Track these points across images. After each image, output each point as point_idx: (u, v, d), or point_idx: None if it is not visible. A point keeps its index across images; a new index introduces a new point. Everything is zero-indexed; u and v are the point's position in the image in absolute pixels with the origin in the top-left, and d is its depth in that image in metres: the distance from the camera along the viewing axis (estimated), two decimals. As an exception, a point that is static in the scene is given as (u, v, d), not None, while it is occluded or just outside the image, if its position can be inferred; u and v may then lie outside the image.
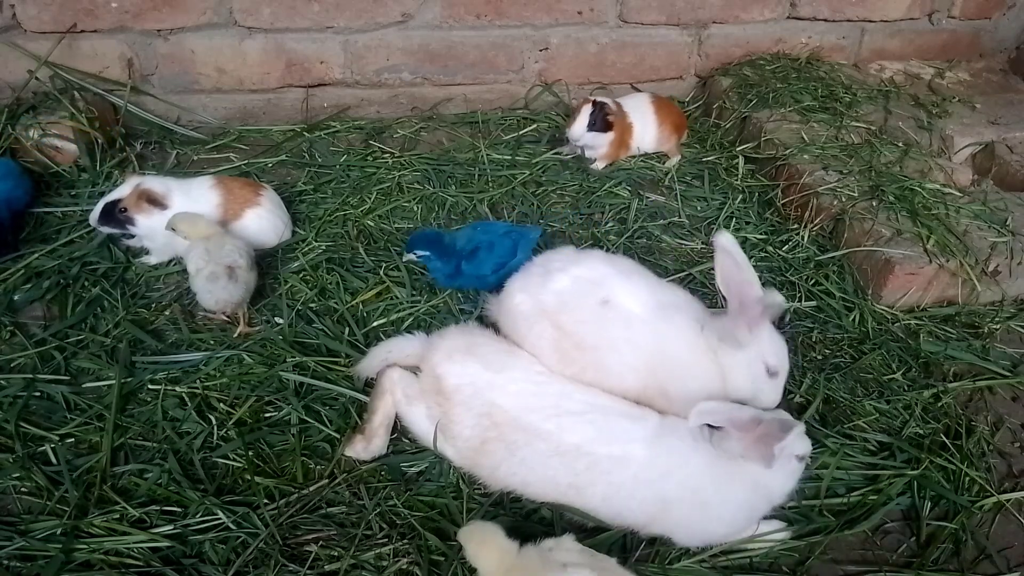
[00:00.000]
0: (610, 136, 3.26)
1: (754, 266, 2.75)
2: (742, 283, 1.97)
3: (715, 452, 1.84)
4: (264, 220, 2.72)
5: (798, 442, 1.85)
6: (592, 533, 1.91)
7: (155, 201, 2.57)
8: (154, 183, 2.60)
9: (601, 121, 3.21)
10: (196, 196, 2.66)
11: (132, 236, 2.65)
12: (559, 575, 1.55)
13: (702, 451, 1.84)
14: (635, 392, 2.04)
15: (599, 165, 3.34)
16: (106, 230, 2.63)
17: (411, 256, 2.64)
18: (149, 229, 2.60)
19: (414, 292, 2.61)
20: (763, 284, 2.69)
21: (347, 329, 2.45)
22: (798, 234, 2.92)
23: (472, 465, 2.00)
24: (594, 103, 3.22)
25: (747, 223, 3.04)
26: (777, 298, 1.92)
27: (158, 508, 1.93)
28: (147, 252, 2.72)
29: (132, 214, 2.58)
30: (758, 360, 2.04)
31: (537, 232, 2.64)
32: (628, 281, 2.12)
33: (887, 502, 2.03)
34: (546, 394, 1.97)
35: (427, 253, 2.59)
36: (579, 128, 3.23)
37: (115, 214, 2.58)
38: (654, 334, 2.04)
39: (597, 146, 3.29)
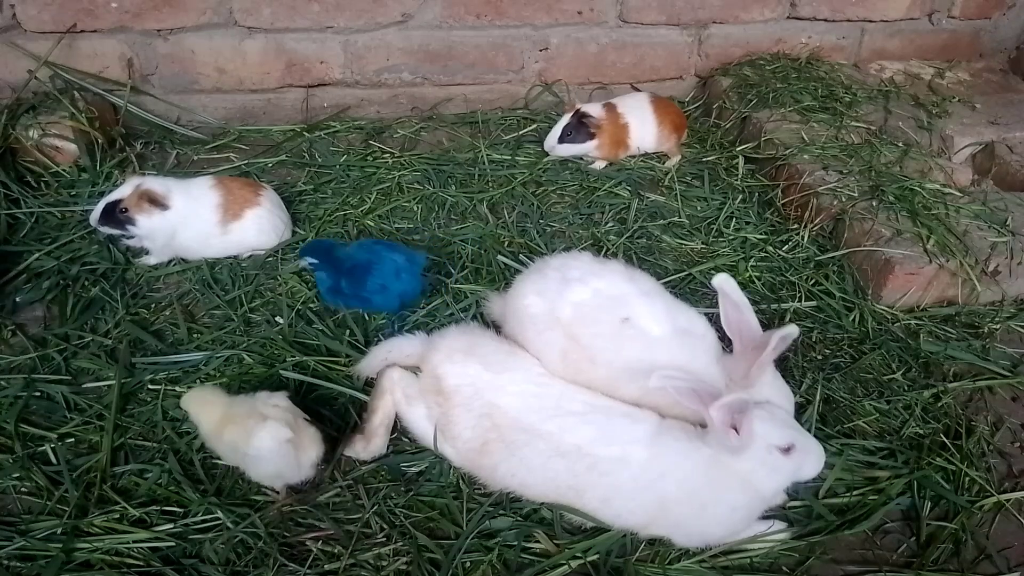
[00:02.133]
0: (592, 144, 3.26)
1: (754, 266, 2.79)
2: (741, 323, 1.97)
3: (711, 453, 1.83)
4: (264, 220, 2.72)
5: (773, 431, 1.80)
6: (592, 534, 1.91)
7: (156, 201, 2.57)
8: (155, 183, 2.60)
9: (580, 132, 3.22)
10: (196, 196, 2.66)
11: (132, 236, 2.64)
12: (258, 423, 1.84)
13: (699, 452, 1.84)
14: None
15: (599, 165, 3.34)
16: (106, 230, 2.63)
17: (303, 263, 2.56)
18: (150, 229, 2.60)
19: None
20: (763, 284, 2.73)
21: (347, 330, 2.45)
22: (798, 234, 2.92)
23: (472, 466, 2.00)
24: (575, 112, 3.22)
25: (747, 223, 3.04)
26: (790, 329, 1.90)
27: (158, 508, 1.93)
28: (147, 252, 2.72)
29: (133, 214, 2.57)
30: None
31: (422, 257, 2.51)
32: (649, 301, 2.07)
33: (887, 502, 2.03)
34: (547, 395, 1.97)
35: (316, 261, 2.49)
36: (551, 140, 3.26)
37: (116, 214, 2.58)
38: (673, 358, 1.99)
39: (576, 156, 3.30)
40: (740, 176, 3.28)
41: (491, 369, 2.00)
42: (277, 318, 2.49)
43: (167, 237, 2.64)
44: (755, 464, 1.80)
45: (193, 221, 2.65)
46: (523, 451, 1.89)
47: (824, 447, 2.12)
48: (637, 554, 1.89)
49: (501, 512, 1.96)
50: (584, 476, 1.87)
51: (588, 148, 3.28)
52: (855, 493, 2.07)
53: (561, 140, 3.25)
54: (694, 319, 2.11)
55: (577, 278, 2.10)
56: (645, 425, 1.91)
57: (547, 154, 3.37)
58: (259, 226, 2.71)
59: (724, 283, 1.98)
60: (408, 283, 2.46)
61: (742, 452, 1.78)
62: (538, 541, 1.90)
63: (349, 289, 2.45)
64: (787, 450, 1.80)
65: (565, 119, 3.24)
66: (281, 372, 2.27)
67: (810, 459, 1.85)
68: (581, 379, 2.02)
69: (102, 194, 2.84)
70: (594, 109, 3.28)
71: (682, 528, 1.88)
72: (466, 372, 2.00)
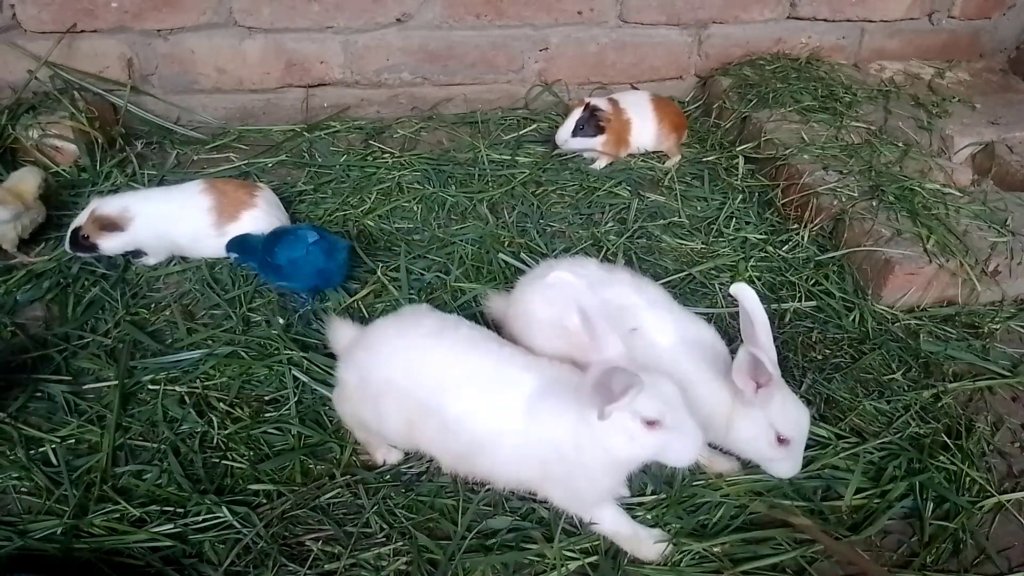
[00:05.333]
0: (600, 139, 3.27)
1: (754, 266, 2.79)
2: (751, 339, 1.84)
3: (578, 413, 1.75)
4: (261, 222, 2.68)
5: (642, 400, 1.67)
6: (591, 534, 1.92)
7: (109, 226, 2.57)
8: (109, 206, 2.59)
9: (590, 126, 3.23)
10: (183, 201, 2.66)
11: (104, 256, 2.66)
12: None
13: (569, 412, 1.77)
14: None
15: (599, 164, 3.34)
16: (81, 255, 2.64)
17: (231, 257, 2.63)
18: (118, 249, 2.63)
19: (411, 291, 2.62)
20: (763, 284, 2.73)
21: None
22: (798, 234, 2.92)
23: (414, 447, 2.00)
24: (585, 106, 3.22)
25: (747, 223, 3.04)
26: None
27: (158, 508, 1.93)
28: (144, 253, 2.72)
29: (94, 240, 2.58)
30: (765, 422, 1.91)
31: (344, 243, 2.56)
32: (657, 312, 2.05)
33: (891, 506, 2.02)
34: (429, 363, 1.91)
35: (237, 255, 2.58)
36: (564, 133, 3.26)
37: (80, 241, 2.59)
38: (678, 370, 1.94)
39: (586, 150, 3.30)
40: (740, 176, 3.28)
41: (373, 350, 1.97)
42: (277, 318, 2.49)
43: (161, 240, 2.67)
44: (612, 425, 1.70)
45: (184, 227, 2.65)
46: (425, 425, 1.89)
47: (825, 446, 2.15)
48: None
49: (500, 512, 1.96)
50: (471, 448, 1.85)
51: (597, 142, 3.28)
52: (859, 496, 2.06)
53: (574, 134, 3.25)
54: (703, 329, 2.09)
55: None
56: (524, 388, 1.84)
57: (549, 153, 3.38)
58: (256, 228, 2.68)
59: (739, 291, 1.84)
60: (321, 261, 2.47)
61: (604, 418, 1.68)
62: (535, 542, 1.90)
63: (264, 259, 2.50)
64: (652, 423, 1.70)
65: (576, 113, 3.24)
66: (281, 371, 2.27)
67: (676, 444, 1.73)
68: None
69: (100, 194, 2.85)
70: (602, 103, 3.29)
71: (558, 489, 1.87)
72: (357, 366, 1.97)
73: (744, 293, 1.83)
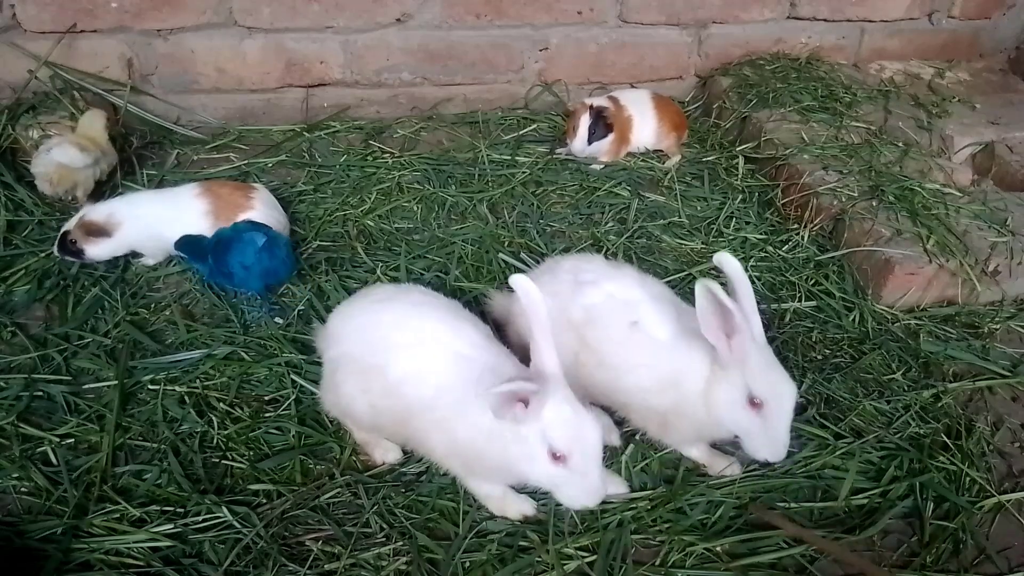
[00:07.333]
0: (611, 137, 3.29)
1: (754, 266, 2.79)
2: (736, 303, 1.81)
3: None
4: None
5: (559, 431, 1.66)
6: (589, 534, 1.91)
7: (95, 233, 2.57)
8: (96, 212, 2.59)
9: (601, 127, 3.24)
10: (178, 205, 2.65)
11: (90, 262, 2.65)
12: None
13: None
14: (645, 410, 2.05)
15: (598, 165, 3.34)
16: (69, 259, 2.63)
17: (180, 255, 2.64)
18: (104, 255, 2.62)
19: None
20: (763, 284, 2.73)
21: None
22: (798, 234, 2.92)
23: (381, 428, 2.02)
24: (590, 111, 3.22)
25: (747, 223, 3.04)
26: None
27: (158, 508, 1.93)
28: (141, 254, 2.72)
29: (81, 246, 2.58)
30: (740, 381, 1.84)
31: (284, 239, 2.59)
32: (658, 306, 2.05)
33: (893, 506, 2.02)
34: (376, 326, 1.94)
35: (185, 256, 2.58)
36: (580, 144, 3.25)
37: (68, 246, 2.59)
38: (674, 362, 1.97)
39: (602, 152, 3.31)
40: (740, 176, 3.28)
41: (330, 328, 2.03)
42: (276, 318, 2.49)
43: (158, 243, 2.66)
44: (522, 438, 1.69)
45: (180, 230, 2.63)
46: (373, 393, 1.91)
47: (824, 444, 2.15)
48: (632, 553, 1.89)
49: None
50: (407, 413, 1.88)
51: (609, 142, 3.29)
52: (859, 496, 2.06)
53: (590, 141, 3.25)
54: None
55: (590, 281, 2.09)
56: (469, 366, 1.84)
57: (548, 154, 3.38)
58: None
59: (722, 259, 1.87)
60: (266, 261, 2.49)
61: (519, 422, 1.68)
62: (533, 543, 1.90)
63: (216, 266, 2.51)
64: (557, 458, 1.68)
65: (585, 120, 3.23)
66: (280, 371, 2.27)
67: (571, 490, 1.72)
68: (591, 382, 2.02)
69: (102, 192, 2.86)
70: (602, 101, 3.30)
71: (455, 462, 1.91)
72: (323, 351, 2.03)
73: (727, 260, 1.85)
